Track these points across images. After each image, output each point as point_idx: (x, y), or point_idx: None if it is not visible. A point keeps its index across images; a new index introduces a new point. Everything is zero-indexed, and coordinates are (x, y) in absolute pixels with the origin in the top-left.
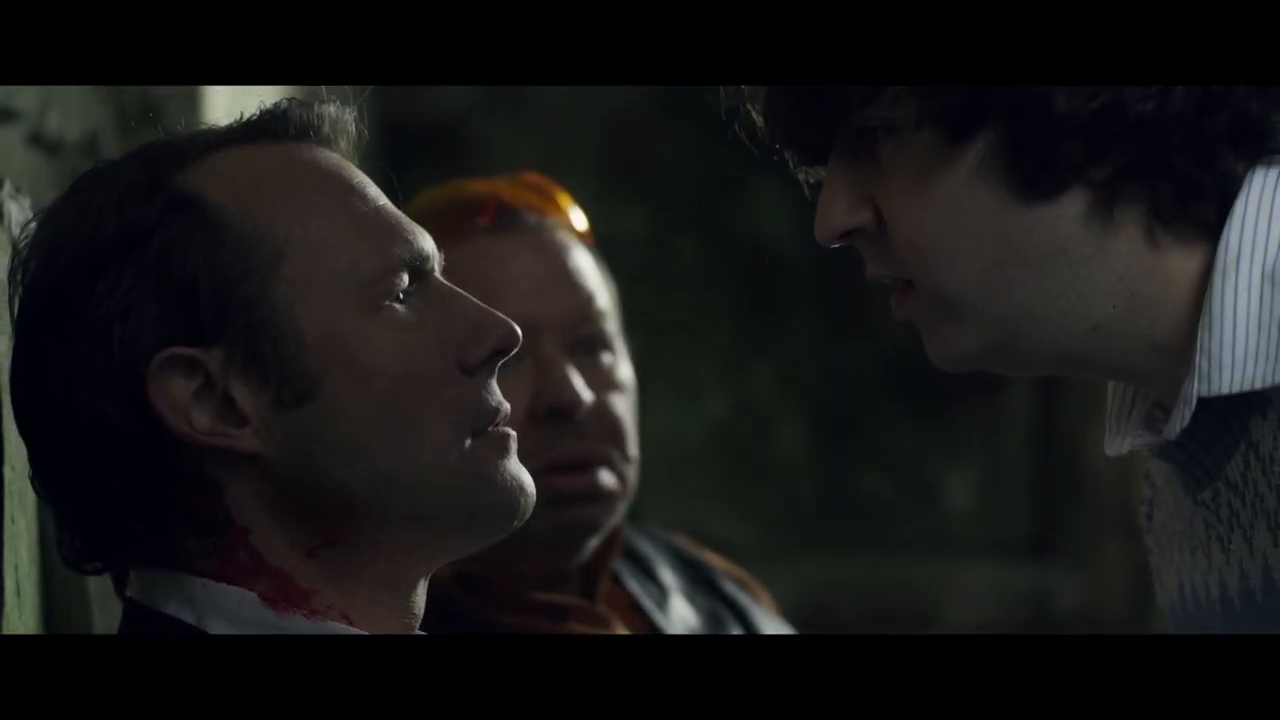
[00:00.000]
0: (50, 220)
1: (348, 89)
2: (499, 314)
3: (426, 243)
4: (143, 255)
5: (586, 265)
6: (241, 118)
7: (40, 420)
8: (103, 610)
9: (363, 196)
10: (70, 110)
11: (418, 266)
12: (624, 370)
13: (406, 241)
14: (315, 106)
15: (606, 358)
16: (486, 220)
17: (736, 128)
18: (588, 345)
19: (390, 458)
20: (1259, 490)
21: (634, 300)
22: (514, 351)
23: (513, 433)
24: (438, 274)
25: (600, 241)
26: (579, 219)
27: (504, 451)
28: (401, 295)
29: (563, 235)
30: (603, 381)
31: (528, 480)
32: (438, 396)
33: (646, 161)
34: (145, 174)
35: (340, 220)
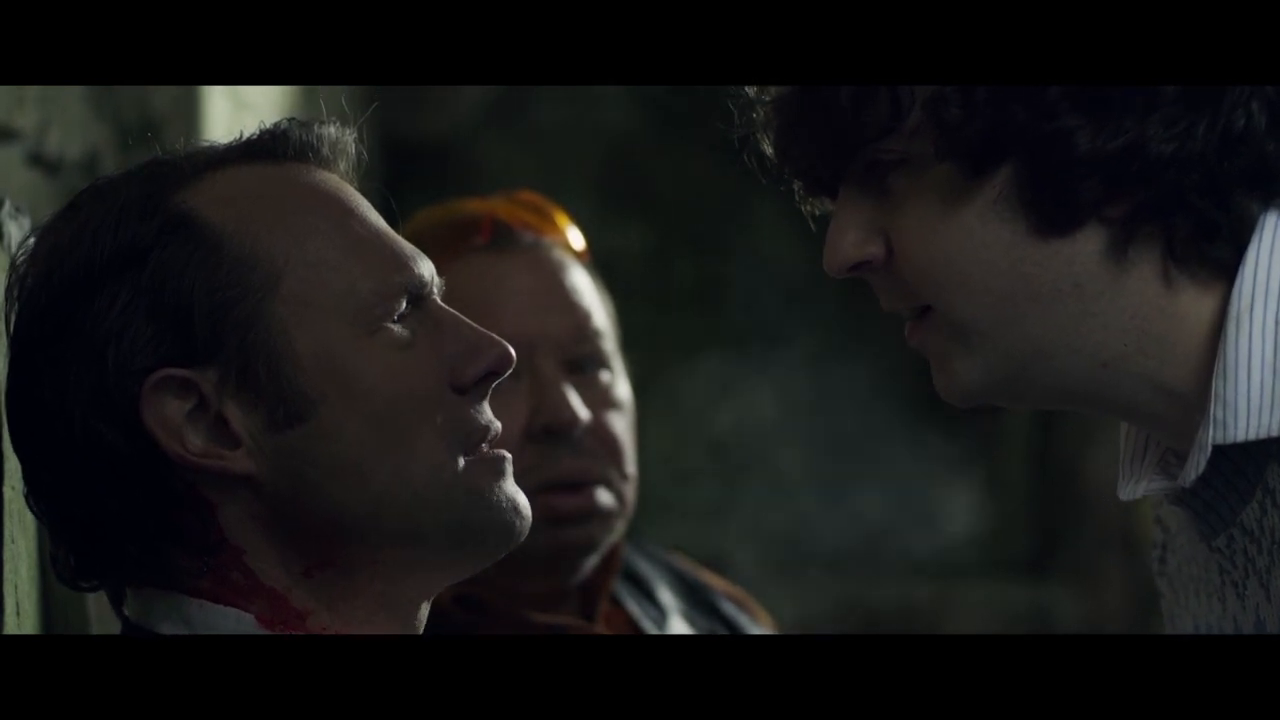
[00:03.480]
0: (48, 237)
1: (347, 109)
2: (494, 335)
3: (426, 268)
4: (139, 275)
5: (583, 284)
6: (240, 137)
7: (34, 438)
8: (102, 630)
9: (362, 220)
10: (70, 129)
11: (416, 293)
12: (621, 388)
13: (406, 268)
14: (315, 127)
15: (604, 376)
16: (483, 239)
17: (746, 157)
18: (585, 364)
19: (384, 477)
20: (1276, 537)
21: (633, 319)
22: (508, 373)
23: (508, 455)
24: (436, 298)
25: (599, 260)
26: (576, 237)
27: (499, 473)
28: (397, 317)
29: (559, 254)
30: (600, 400)
31: (523, 502)
32: (431, 416)
33: (645, 180)
34: (143, 193)
35: (338, 243)
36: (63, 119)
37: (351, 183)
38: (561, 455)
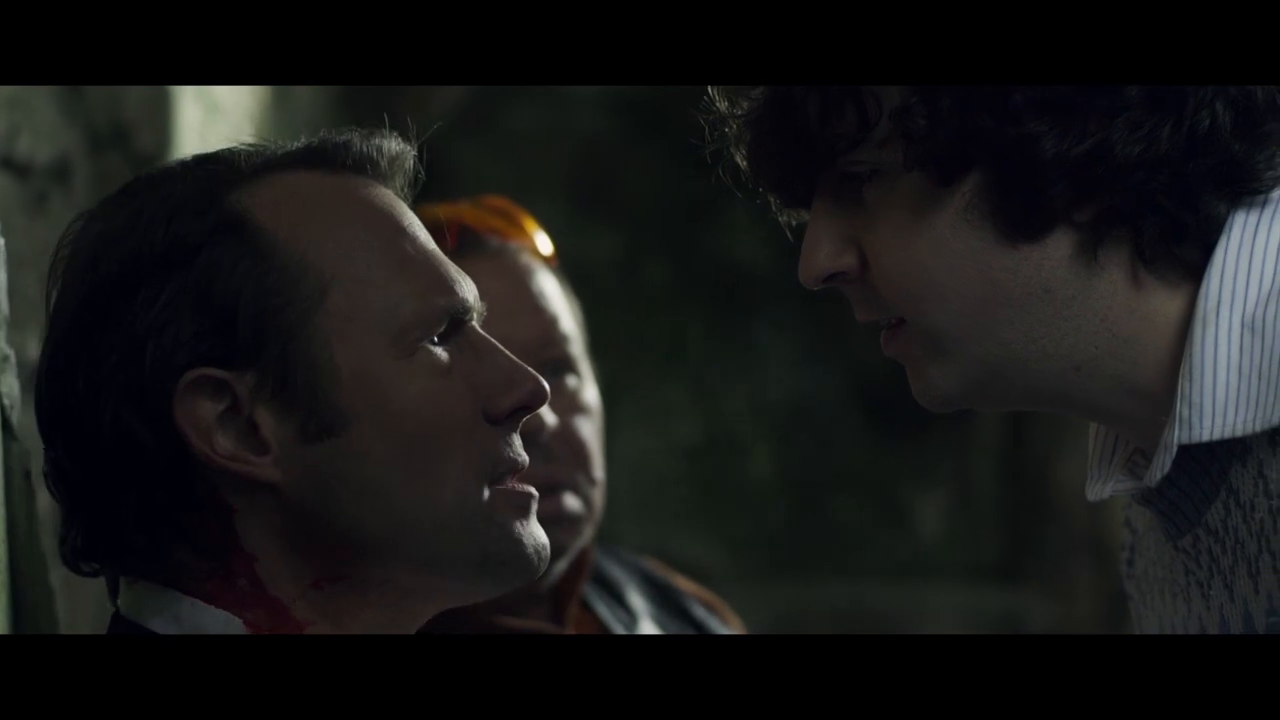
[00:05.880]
0: (97, 222)
1: (402, 126)
2: (529, 369)
3: (470, 292)
4: (186, 273)
5: (550, 288)
6: (300, 141)
7: (63, 423)
8: (71, 630)
9: (412, 239)
10: (40, 133)
11: (458, 317)
12: (589, 393)
13: (451, 291)
14: (376, 140)
15: (571, 381)
16: (450, 244)
17: (721, 171)
18: (552, 368)
19: (409, 501)
20: (1239, 537)
21: (605, 324)
22: (541, 408)
23: (535, 493)
24: (476, 324)
25: (571, 265)
26: (543, 242)
27: (524, 510)
28: (436, 339)
29: (526, 258)
30: (567, 405)
31: (544, 541)
32: (461, 443)
33: (617, 185)
34: (198, 189)
35: (387, 261)
36: (32, 123)
37: (406, 200)
38: (529, 460)
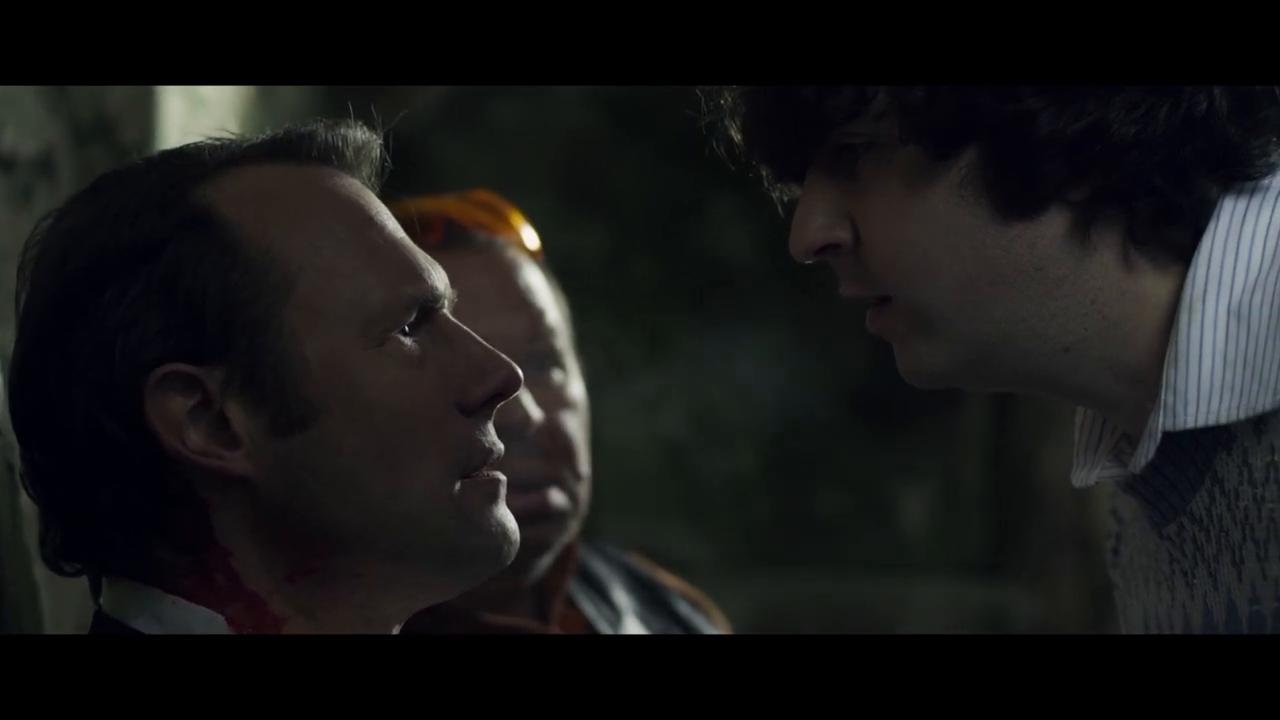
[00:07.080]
0: (65, 219)
1: (368, 115)
2: (502, 356)
3: (439, 280)
4: (153, 268)
5: (537, 283)
6: (265, 133)
7: (36, 420)
8: (55, 626)
9: (380, 228)
10: (24, 127)
11: (428, 306)
12: (575, 388)
13: (419, 279)
14: (341, 130)
15: (557, 375)
16: (436, 238)
17: (715, 143)
18: (538, 363)
19: (381, 492)
20: (1223, 525)
21: (590, 318)
22: (514, 395)
23: (503, 478)
24: (447, 312)
25: (557, 260)
26: (530, 237)
27: (493, 497)
28: (407, 328)
29: (513, 253)
30: (553, 399)
31: (513, 527)
32: (434, 434)
33: (603, 180)
34: (164, 184)
35: (355, 251)
36: (17, 117)
37: (373, 189)
38: (514, 455)
